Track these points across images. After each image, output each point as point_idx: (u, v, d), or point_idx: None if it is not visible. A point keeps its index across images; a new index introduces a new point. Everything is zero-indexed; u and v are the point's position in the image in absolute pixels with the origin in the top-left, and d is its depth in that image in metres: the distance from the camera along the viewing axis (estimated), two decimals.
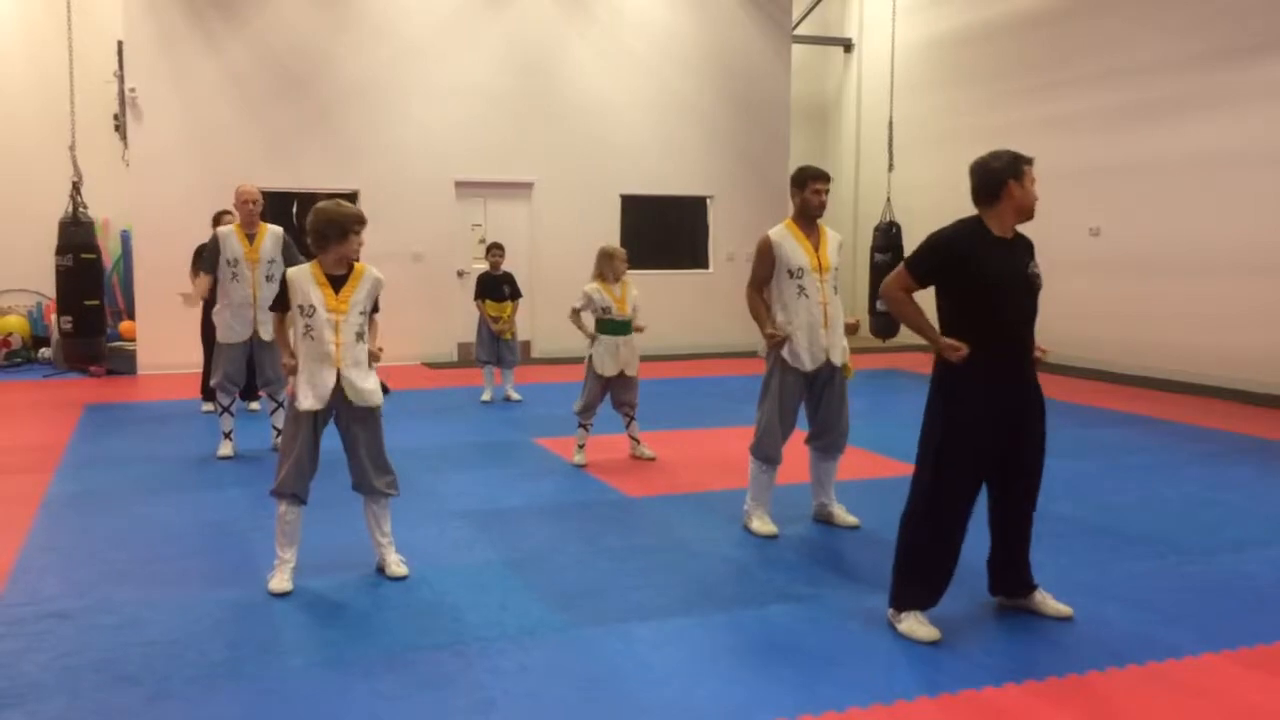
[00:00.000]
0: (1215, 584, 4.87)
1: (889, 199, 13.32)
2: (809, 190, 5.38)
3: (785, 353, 5.42)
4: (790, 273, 5.36)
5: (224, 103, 11.91)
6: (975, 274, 4.02)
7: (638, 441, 7.44)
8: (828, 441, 5.64)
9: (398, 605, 4.54)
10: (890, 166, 13.47)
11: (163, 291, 11.38)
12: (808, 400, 5.58)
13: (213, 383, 7.50)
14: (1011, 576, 4.41)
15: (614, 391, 7.27)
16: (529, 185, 13.40)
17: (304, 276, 4.64)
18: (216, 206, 9.09)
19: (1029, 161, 4.11)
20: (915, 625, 4.14)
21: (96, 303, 10.83)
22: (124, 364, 11.68)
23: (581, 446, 7.27)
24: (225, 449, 7.39)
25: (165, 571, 5.00)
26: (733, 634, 4.25)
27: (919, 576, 4.18)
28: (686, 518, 5.98)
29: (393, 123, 12.68)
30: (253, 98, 12.02)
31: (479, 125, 13.02)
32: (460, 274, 12.86)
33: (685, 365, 12.77)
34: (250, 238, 7.28)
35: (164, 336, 11.38)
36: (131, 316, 12.19)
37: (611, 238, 13.43)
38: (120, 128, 12.22)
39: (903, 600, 4.21)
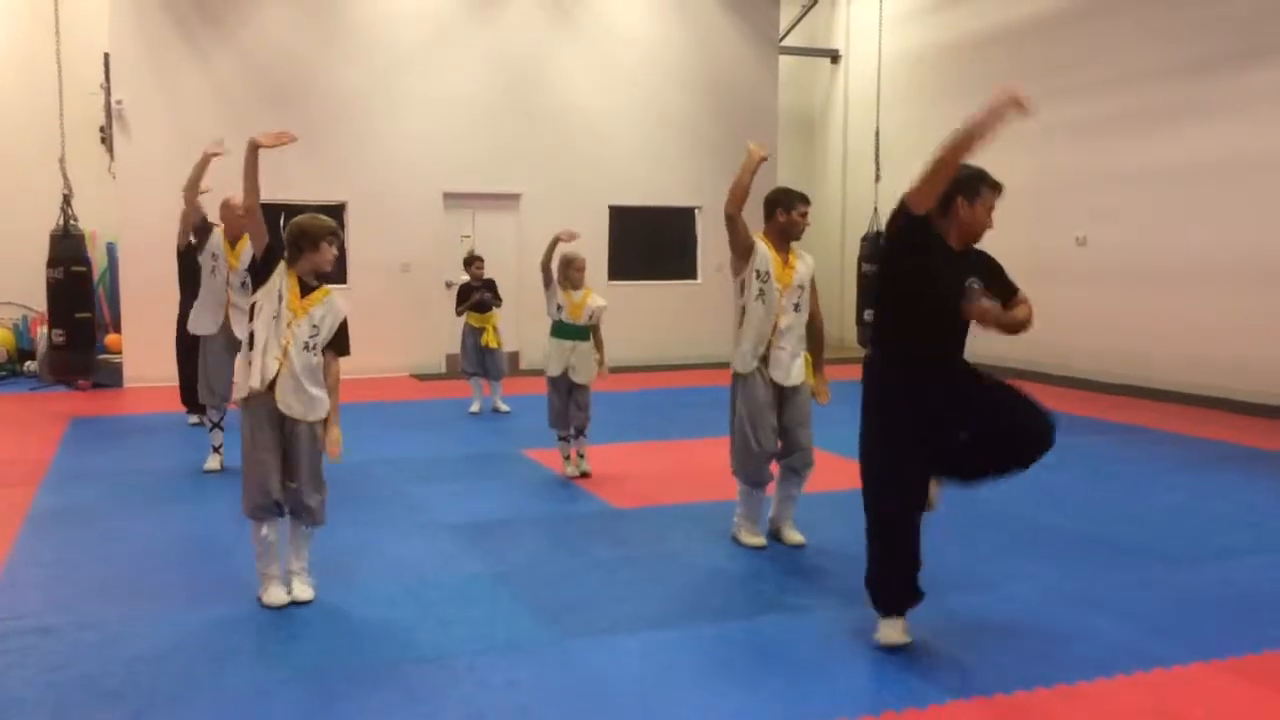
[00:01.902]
0: (1202, 593, 4.88)
1: (876, 209, 13.37)
2: (796, 213, 5.39)
3: (736, 363, 5.48)
4: (758, 273, 5.38)
5: (211, 115, 11.85)
6: (929, 266, 3.94)
7: (581, 457, 7.22)
8: (790, 460, 5.54)
9: (384, 618, 4.51)
10: (877, 177, 13.53)
11: (149, 304, 11.33)
12: (777, 417, 5.54)
13: (202, 400, 7.49)
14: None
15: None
16: (517, 197, 13.39)
17: (284, 271, 4.64)
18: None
19: (993, 187, 3.98)
20: (889, 631, 4.14)
21: (88, 315, 10.80)
22: (110, 377, 11.62)
23: (568, 458, 7.25)
24: (213, 462, 7.36)
25: (150, 586, 4.97)
26: (721, 645, 4.24)
27: (888, 581, 4.17)
28: (675, 529, 5.97)
29: (381, 134, 12.68)
30: (240, 110, 11.98)
31: (467, 137, 13.02)
32: (448, 285, 12.82)
33: (673, 375, 12.76)
34: (232, 243, 7.29)
35: (150, 349, 11.30)
36: (118, 329, 12.13)
37: (600, 249, 13.46)
38: (107, 140, 12.17)
39: (879, 603, 4.19)
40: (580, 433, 7.20)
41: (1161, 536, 5.81)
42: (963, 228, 4.00)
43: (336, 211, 12.49)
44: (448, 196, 13.02)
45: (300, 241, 4.60)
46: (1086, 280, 11.91)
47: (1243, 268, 10.28)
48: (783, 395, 5.48)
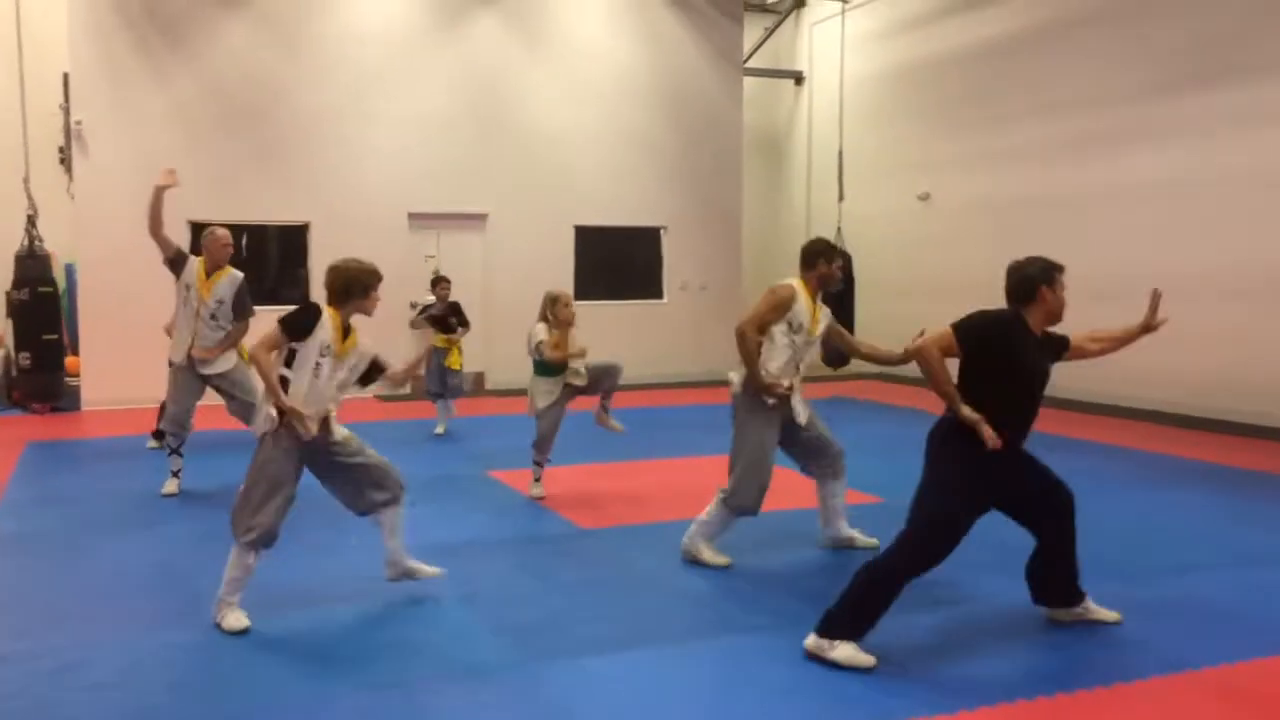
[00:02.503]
0: (1161, 607, 4.92)
1: (839, 229, 13.47)
2: (836, 266, 5.57)
3: (761, 390, 5.46)
4: (791, 325, 5.46)
5: (171, 135, 11.76)
6: (1018, 364, 4.31)
7: (605, 410, 7.28)
8: (825, 463, 5.76)
9: (346, 644, 4.46)
10: (840, 197, 13.65)
11: (108, 326, 11.19)
12: (786, 445, 5.67)
13: (162, 427, 7.41)
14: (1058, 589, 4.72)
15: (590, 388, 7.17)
16: (483, 217, 13.39)
17: (330, 318, 4.81)
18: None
19: (1060, 269, 4.53)
20: (854, 653, 4.15)
21: (55, 337, 10.59)
22: (68, 400, 11.44)
23: (538, 480, 7.21)
24: (170, 486, 7.27)
25: (107, 612, 4.88)
26: (688, 666, 4.23)
27: (875, 613, 4.20)
28: (642, 549, 5.95)
29: (344, 154, 12.62)
30: (201, 130, 11.90)
31: (432, 157, 13.00)
32: (413, 306, 12.77)
33: (639, 395, 12.74)
34: (208, 273, 7.21)
35: (109, 372, 11.17)
36: (75, 351, 11.96)
37: (566, 269, 13.47)
38: (65, 160, 12.03)
39: (845, 630, 4.19)
40: (609, 394, 7.23)
41: (1119, 551, 5.85)
42: (1049, 312, 4.49)
43: (299, 232, 12.43)
44: (413, 217, 12.98)
45: (352, 288, 4.80)
46: None
47: (1205, 284, 10.36)
48: (795, 427, 5.65)
